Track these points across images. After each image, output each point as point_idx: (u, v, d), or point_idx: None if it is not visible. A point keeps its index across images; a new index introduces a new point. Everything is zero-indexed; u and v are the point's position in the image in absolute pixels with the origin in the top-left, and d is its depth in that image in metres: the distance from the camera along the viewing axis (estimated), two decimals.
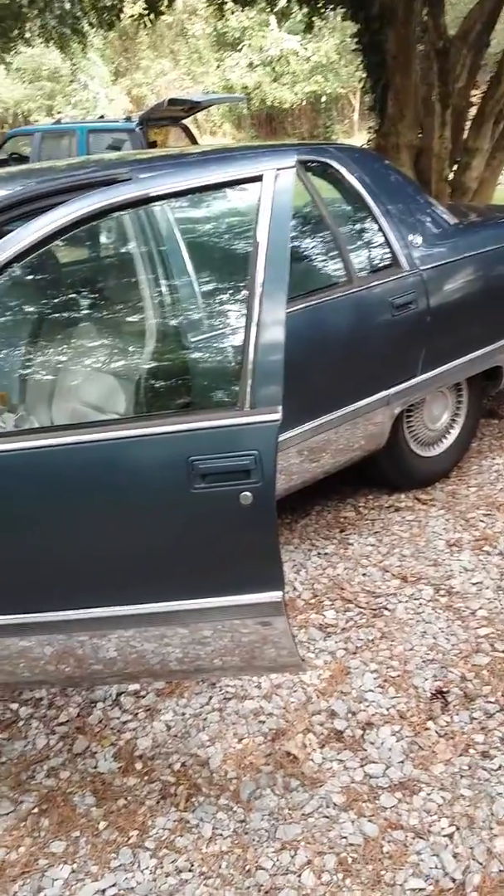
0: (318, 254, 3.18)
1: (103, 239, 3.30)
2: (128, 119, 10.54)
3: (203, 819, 2.11)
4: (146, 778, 2.25)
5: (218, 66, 27.87)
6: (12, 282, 2.06)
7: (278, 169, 1.87)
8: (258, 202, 1.86)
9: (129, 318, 2.74)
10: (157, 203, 2.21)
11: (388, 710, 2.41)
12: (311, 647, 2.71)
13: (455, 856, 1.95)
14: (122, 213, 2.13)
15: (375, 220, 3.23)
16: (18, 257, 1.97)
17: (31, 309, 2.80)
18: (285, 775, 2.22)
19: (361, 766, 2.23)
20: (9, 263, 1.96)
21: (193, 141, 10.62)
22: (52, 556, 1.96)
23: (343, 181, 3.23)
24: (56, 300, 2.92)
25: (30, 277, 2.57)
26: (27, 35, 14.92)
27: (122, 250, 2.92)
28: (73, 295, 3.02)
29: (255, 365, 1.81)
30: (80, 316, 2.89)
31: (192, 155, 3.05)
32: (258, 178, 1.87)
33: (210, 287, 2.58)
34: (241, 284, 2.20)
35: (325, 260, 3.15)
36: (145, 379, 2.53)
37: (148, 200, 2.01)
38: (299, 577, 3.10)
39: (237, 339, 2.01)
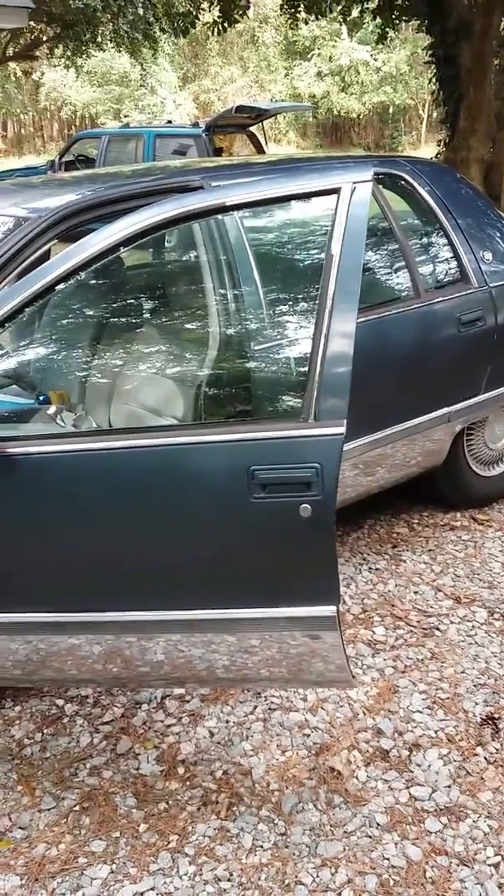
0: (386, 267, 3.16)
1: (170, 244, 3.33)
2: (195, 125, 10.63)
3: (244, 829, 2.10)
4: (188, 783, 2.25)
5: (286, 75, 27.99)
6: (79, 284, 2.09)
7: (355, 182, 1.86)
8: (334, 215, 1.85)
9: (194, 325, 2.75)
10: (229, 212, 2.21)
11: (436, 732, 2.37)
12: (360, 662, 2.68)
13: (500, 886, 1.91)
14: (194, 221, 2.14)
15: (446, 235, 3.20)
16: (90, 262, 1.99)
17: (96, 311, 2.84)
18: (328, 791, 2.19)
19: (407, 787, 2.19)
20: (80, 268, 1.98)
21: (259, 149, 10.66)
22: (105, 557, 1.97)
23: (414, 194, 3.21)
24: (120, 304, 2.94)
25: (96, 281, 2.60)
26: (99, 39, 15.22)
27: (189, 257, 2.93)
28: (138, 299, 3.05)
29: (322, 377, 1.80)
30: (143, 320, 2.92)
31: (266, 165, 3.06)
32: (335, 191, 1.86)
33: (277, 297, 2.58)
34: (309, 296, 2.19)
35: (392, 273, 3.13)
36: (206, 385, 2.54)
37: (222, 210, 2.02)
38: (349, 592, 3.08)
39: (302, 350, 2.00)
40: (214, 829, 2.10)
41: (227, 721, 2.46)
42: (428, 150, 17.42)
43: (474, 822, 2.08)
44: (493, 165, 6.19)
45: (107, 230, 2.00)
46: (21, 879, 1.98)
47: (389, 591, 3.07)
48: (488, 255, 3.26)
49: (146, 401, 2.69)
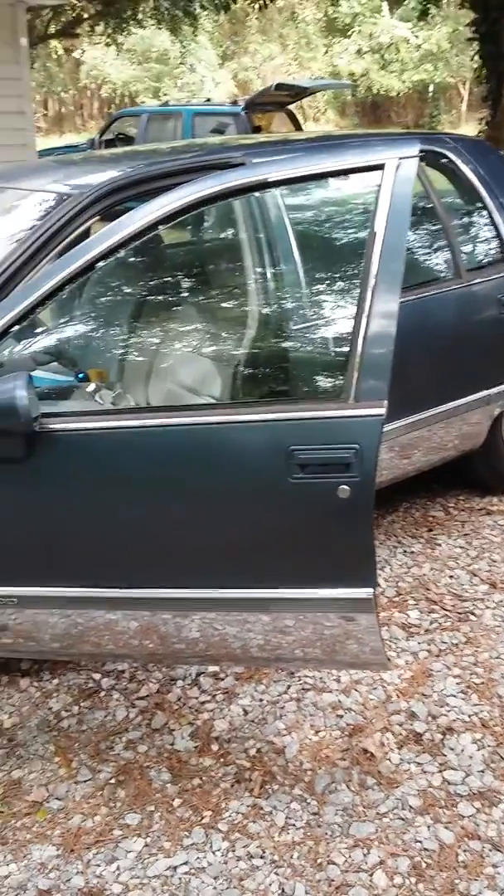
0: (426, 246, 3.12)
1: (210, 222, 3.31)
2: (234, 103, 10.55)
3: (276, 807, 2.11)
4: (222, 760, 2.27)
5: (326, 52, 27.60)
6: (118, 261, 2.08)
7: (401, 158, 1.83)
8: (378, 191, 1.82)
9: (232, 304, 2.74)
10: (271, 189, 2.19)
11: (469, 717, 2.36)
12: (393, 645, 2.67)
13: None
14: (236, 198, 2.12)
15: (489, 214, 3.15)
16: (131, 239, 1.98)
17: (135, 289, 2.83)
18: (361, 772, 2.20)
19: (440, 771, 2.19)
20: (121, 245, 1.98)
21: (298, 127, 10.56)
22: (142, 534, 1.98)
23: (457, 172, 3.15)
24: (159, 282, 2.94)
25: (136, 258, 2.59)
26: (140, 16, 15.12)
27: (229, 234, 2.92)
28: (177, 277, 3.04)
29: (363, 357, 1.79)
30: (181, 298, 2.91)
31: (306, 141, 3.02)
32: (380, 167, 1.83)
33: (318, 276, 2.56)
34: (349, 275, 2.17)
35: (433, 253, 3.09)
36: (244, 365, 2.53)
37: (265, 185, 2.00)
38: (383, 574, 3.06)
39: (342, 330, 1.99)
40: (247, 807, 2.11)
41: (261, 700, 2.47)
42: (468, 129, 17.11)
43: None
44: None
45: (149, 206, 1.99)
46: (57, 850, 2.01)
47: (424, 574, 3.05)
48: None
49: (184, 379, 2.69)
